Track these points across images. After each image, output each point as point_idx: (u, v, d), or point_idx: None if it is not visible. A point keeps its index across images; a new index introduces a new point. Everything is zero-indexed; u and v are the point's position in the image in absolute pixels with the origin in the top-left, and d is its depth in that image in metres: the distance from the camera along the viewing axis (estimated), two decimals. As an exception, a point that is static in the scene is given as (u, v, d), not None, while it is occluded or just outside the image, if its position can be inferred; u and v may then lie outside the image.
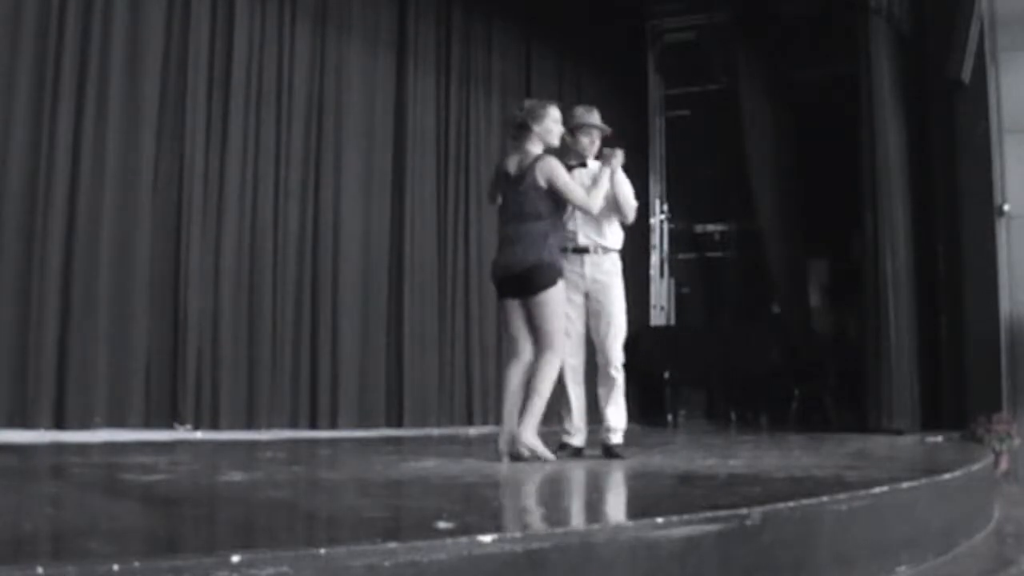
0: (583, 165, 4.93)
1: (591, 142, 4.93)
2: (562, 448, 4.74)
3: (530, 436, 4.27)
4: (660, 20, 11.00)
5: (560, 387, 4.67)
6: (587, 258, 4.85)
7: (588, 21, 9.77)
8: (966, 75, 7.86)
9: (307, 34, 7.23)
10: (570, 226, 4.81)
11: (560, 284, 4.40)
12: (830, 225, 9.59)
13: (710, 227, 10.96)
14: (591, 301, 4.84)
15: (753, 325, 10.02)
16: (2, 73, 5.35)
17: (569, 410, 4.83)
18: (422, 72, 8.18)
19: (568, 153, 4.86)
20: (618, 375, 4.81)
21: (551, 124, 4.49)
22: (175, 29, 6.28)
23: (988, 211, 8.13)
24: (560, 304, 4.39)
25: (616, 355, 4.81)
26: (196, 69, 6.39)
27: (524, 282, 4.37)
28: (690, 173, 10.67)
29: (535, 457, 4.24)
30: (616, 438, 4.82)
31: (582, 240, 4.86)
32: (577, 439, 4.83)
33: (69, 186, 5.61)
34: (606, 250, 4.91)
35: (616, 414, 4.81)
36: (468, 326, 8.43)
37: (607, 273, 4.88)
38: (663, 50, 11.11)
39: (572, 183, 4.52)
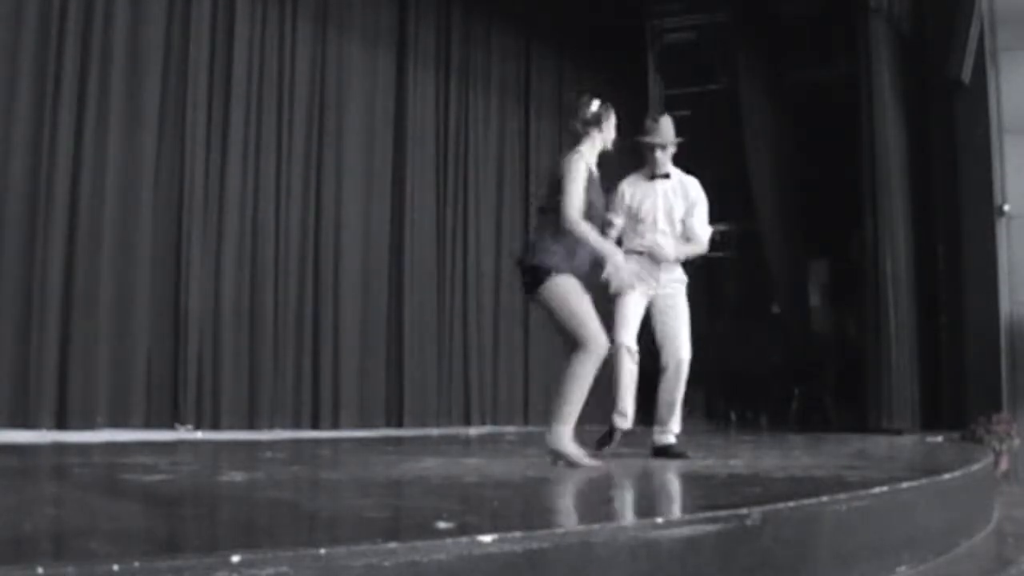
0: (665, 176, 4.92)
1: (654, 157, 4.89)
2: (612, 433, 4.76)
3: (564, 442, 4.04)
4: (660, 20, 10.98)
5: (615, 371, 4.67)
6: (663, 264, 4.85)
7: (588, 21, 9.76)
8: (966, 75, 7.86)
9: (308, 34, 7.24)
10: (648, 233, 4.83)
11: (568, 278, 4.10)
12: (830, 225, 9.58)
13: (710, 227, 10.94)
14: (661, 303, 4.84)
15: (753, 325, 10.01)
16: (3, 73, 5.36)
17: (624, 392, 4.77)
18: (422, 72, 8.19)
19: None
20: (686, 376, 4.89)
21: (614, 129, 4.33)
22: (176, 29, 6.29)
23: (988, 211, 8.13)
24: (569, 298, 4.07)
25: (689, 356, 4.90)
26: (197, 69, 6.40)
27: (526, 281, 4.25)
28: (690, 173, 10.64)
29: (569, 463, 4.02)
30: (673, 439, 4.86)
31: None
32: (627, 423, 4.82)
33: (70, 186, 5.62)
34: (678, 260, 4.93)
35: (678, 416, 4.91)
36: (467, 326, 8.43)
37: (679, 281, 4.94)
38: (663, 50, 11.09)
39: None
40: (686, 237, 4.89)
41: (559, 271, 4.06)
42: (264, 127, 6.86)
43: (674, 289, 4.89)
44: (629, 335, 4.78)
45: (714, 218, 11.18)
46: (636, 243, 4.85)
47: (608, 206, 4.26)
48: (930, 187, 8.48)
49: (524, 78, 9.25)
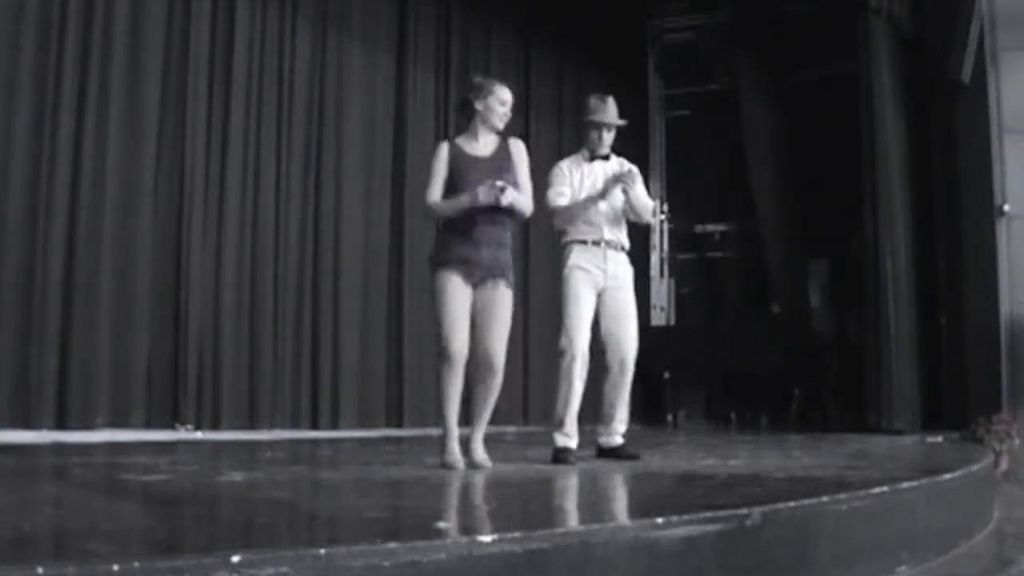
0: (605, 158, 4.74)
1: (598, 137, 4.71)
2: (564, 451, 4.48)
3: (442, 455, 4.05)
4: (660, 20, 11.01)
5: (567, 382, 4.51)
6: (610, 254, 4.65)
7: (588, 21, 9.77)
8: (966, 75, 7.86)
9: (307, 34, 7.24)
10: (594, 218, 4.61)
11: (441, 273, 3.99)
12: (830, 225, 9.59)
13: (710, 227, 10.96)
14: (608, 299, 4.63)
15: (753, 325, 10.02)
16: (4, 74, 5.35)
17: (571, 408, 4.55)
18: (422, 72, 8.19)
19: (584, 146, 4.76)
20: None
21: (494, 104, 4.07)
22: (176, 30, 6.29)
23: (988, 211, 8.13)
24: (436, 297, 3.99)
25: (635, 353, 4.67)
26: (197, 70, 6.40)
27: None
28: (690, 173, 10.68)
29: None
30: (620, 439, 4.71)
31: (607, 235, 4.65)
32: (574, 441, 4.58)
33: (71, 186, 5.62)
34: (624, 249, 4.75)
35: (625, 415, 4.73)
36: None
37: (626, 274, 4.73)
38: (663, 50, 11.11)
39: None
40: (627, 217, 4.72)
41: (435, 266, 4.02)
42: (264, 127, 6.86)
43: (622, 282, 4.68)
44: (583, 340, 4.54)
45: (714, 218, 11.20)
46: (582, 229, 4.63)
47: (483, 178, 3.96)
48: (930, 187, 8.48)
49: (524, 78, 9.24)
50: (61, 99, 5.58)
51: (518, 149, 4.14)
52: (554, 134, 9.47)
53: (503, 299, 3.97)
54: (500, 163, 4.05)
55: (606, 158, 4.76)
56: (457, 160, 4.04)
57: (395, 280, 7.81)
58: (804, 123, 9.82)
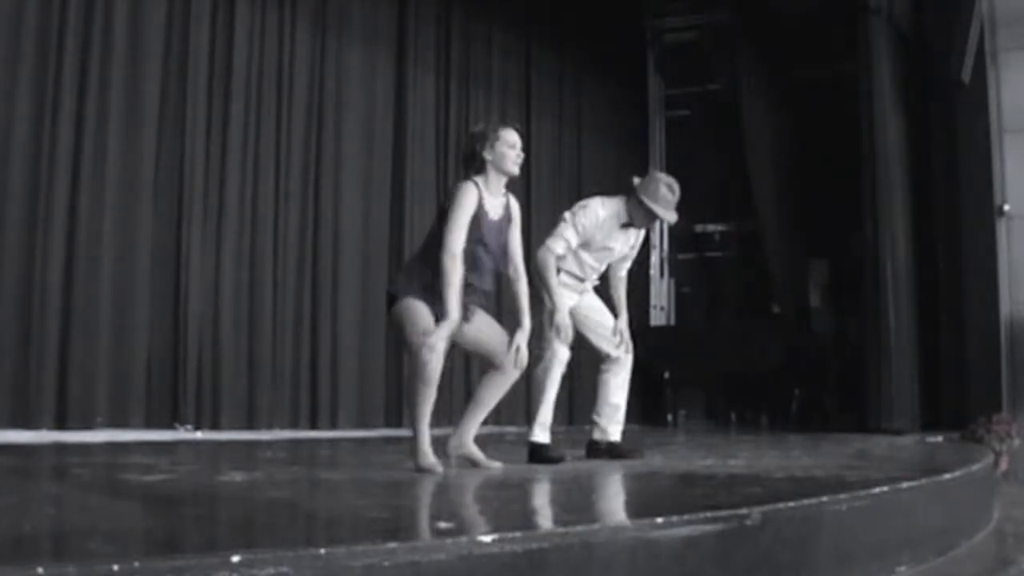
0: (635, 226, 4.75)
1: (649, 225, 4.81)
2: (550, 448, 4.54)
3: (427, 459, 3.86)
4: (660, 20, 11.00)
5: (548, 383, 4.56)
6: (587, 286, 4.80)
7: (588, 21, 9.77)
8: (966, 75, 7.86)
9: (307, 34, 7.24)
10: (586, 271, 4.71)
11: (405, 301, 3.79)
12: (830, 225, 9.59)
13: (710, 227, 10.95)
14: (589, 298, 4.77)
15: (753, 325, 10.01)
16: (4, 73, 5.36)
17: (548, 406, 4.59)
18: (422, 72, 8.18)
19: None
20: None
21: (503, 149, 3.87)
22: (175, 29, 6.29)
23: (988, 211, 8.14)
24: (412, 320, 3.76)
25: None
26: (196, 69, 6.40)
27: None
28: (690, 173, 10.65)
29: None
30: (619, 436, 4.76)
31: (588, 284, 4.79)
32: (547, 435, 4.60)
33: (70, 186, 5.62)
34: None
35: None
36: (468, 326, 8.42)
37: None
38: (663, 50, 11.10)
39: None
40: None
41: (406, 294, 3.80)
42: (264, 127, 6.86)
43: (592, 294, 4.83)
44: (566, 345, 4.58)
45: (714, 218, 11.21)
46: (575, 270, 4.68)
47: (492, 244, 3.88)
48: (930, 187, 8.48)
49: (524, 78, 9.24)
50: (61, 99, 5.58)
51: (516, 212, 4.01)
52: (554, 133, 9.47)
53: (485, 315, 3.94)
54: (503, 228, 3.94)
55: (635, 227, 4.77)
56: (479, 210, 3.84)
57: (395, 280, 7.80)
58: (804, 123, 9.82)
